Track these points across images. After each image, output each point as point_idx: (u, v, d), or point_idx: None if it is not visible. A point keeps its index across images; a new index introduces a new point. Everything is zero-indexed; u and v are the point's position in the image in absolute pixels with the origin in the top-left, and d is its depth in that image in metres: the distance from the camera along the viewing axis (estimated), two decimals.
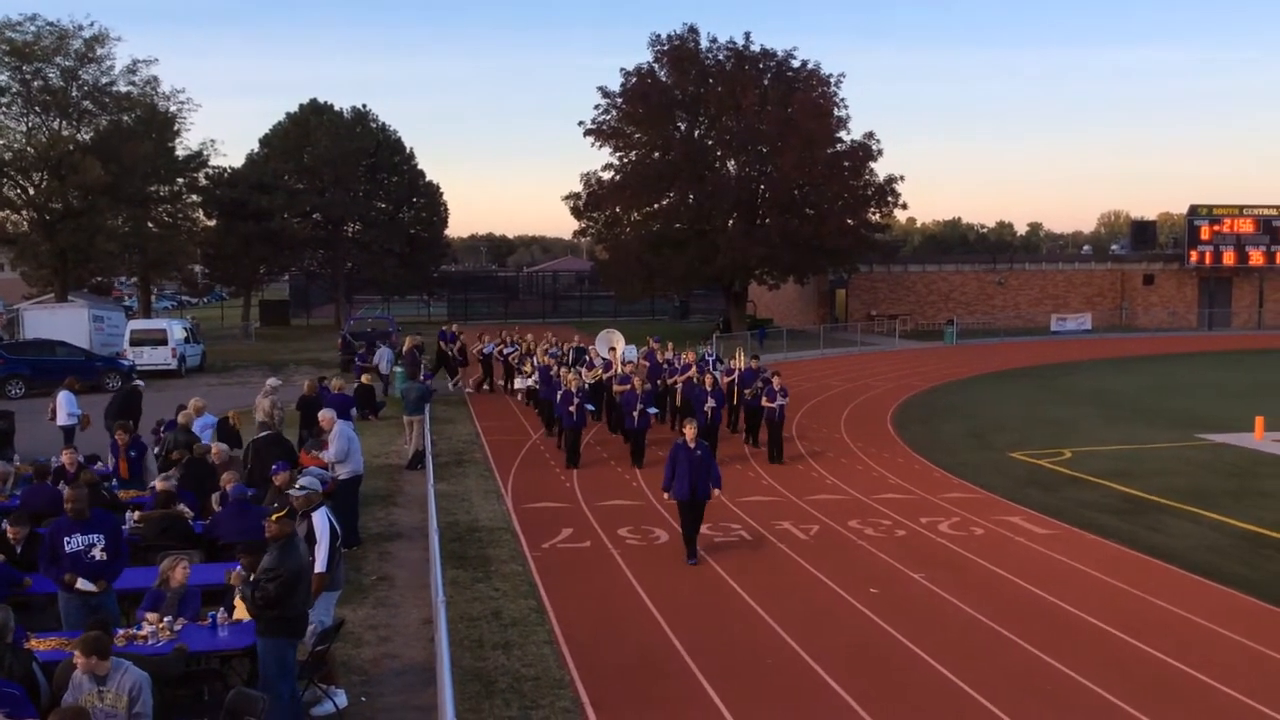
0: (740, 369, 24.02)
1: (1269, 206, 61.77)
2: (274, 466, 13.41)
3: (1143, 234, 69.28)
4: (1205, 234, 61.26)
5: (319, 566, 9.68)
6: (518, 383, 29.52)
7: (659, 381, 25.02)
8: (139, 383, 25.56)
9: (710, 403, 20.80)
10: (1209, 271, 62.08)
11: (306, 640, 9.29)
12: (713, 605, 12.70)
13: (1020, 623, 11.94)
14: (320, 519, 9.85)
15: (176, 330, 39.63)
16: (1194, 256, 61.47)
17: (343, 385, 22.37)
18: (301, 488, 9.73)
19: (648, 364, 26.43)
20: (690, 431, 14.33)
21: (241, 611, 9.77)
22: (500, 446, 23.38)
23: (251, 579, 8.65)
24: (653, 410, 21.85)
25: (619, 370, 24.84)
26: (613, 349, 27.69)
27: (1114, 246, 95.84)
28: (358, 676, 10.38)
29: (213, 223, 60.58)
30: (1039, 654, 11.00)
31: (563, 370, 23.41)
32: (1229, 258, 61.27)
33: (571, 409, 20.74)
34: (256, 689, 8.85)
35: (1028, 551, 15.00)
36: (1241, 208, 61.57)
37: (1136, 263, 64.37)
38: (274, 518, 8.87)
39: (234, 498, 12.65)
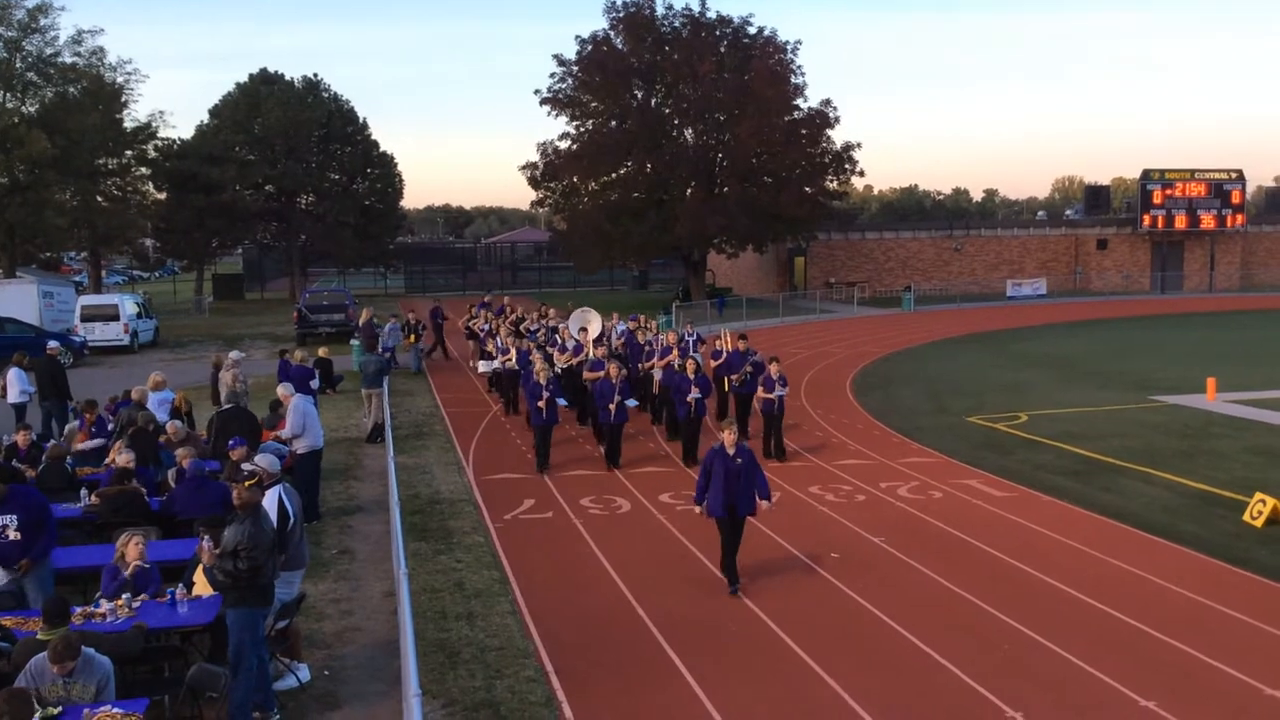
0: (727, 351, 20.88)
1: (1220, 170, 62.54)
2: (230, 442, 13.32)
3: (1096, 199, 69.97)
4: (1158, 198, 61.94)
5: None
6: (481, 365, 26.69)
7: (638, 367, 22.21)
8: (53, 343, 25.17)
9: (694, 392, 18.18)
10: (1161, 235, 62.84)
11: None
12: (675, 573, 12.76)
13: (978, 583, 12.10)
14: (270, 498, 9.77)
15: (128, 305, 39.07)
16: (1147, 220, 62.17)
17: (304, 358, 22.19)
18: (250, 472, 9.55)
19: (626, 347, 23.31)
20: (729, 436, 11.98)
21: (202, 587, 9.70)
22: (460, 419, 23.29)
23: (230, 551, 8.57)
24: (632, 402, 19.03)
25: (590, 354, 21.42)
26: (584, 330, 23.98)
27: (1068, 212, 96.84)
28: (320, 650, 10.34)
29: (163, 196, 59.76)
30: (998, 614, 11.16)
31: (536, 354, 20.60)
32: (1181, 221, 62.01)
33: (541, 404, 18.02)
34: (225, 662, 8.84)
35: (985, 514, 15.19)
36: (1193, 172, 62.30)
37: (1090, 227, 65.05)
38: (246, 484, 8.83)
39: (191, 473, 12.52)
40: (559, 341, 23.59)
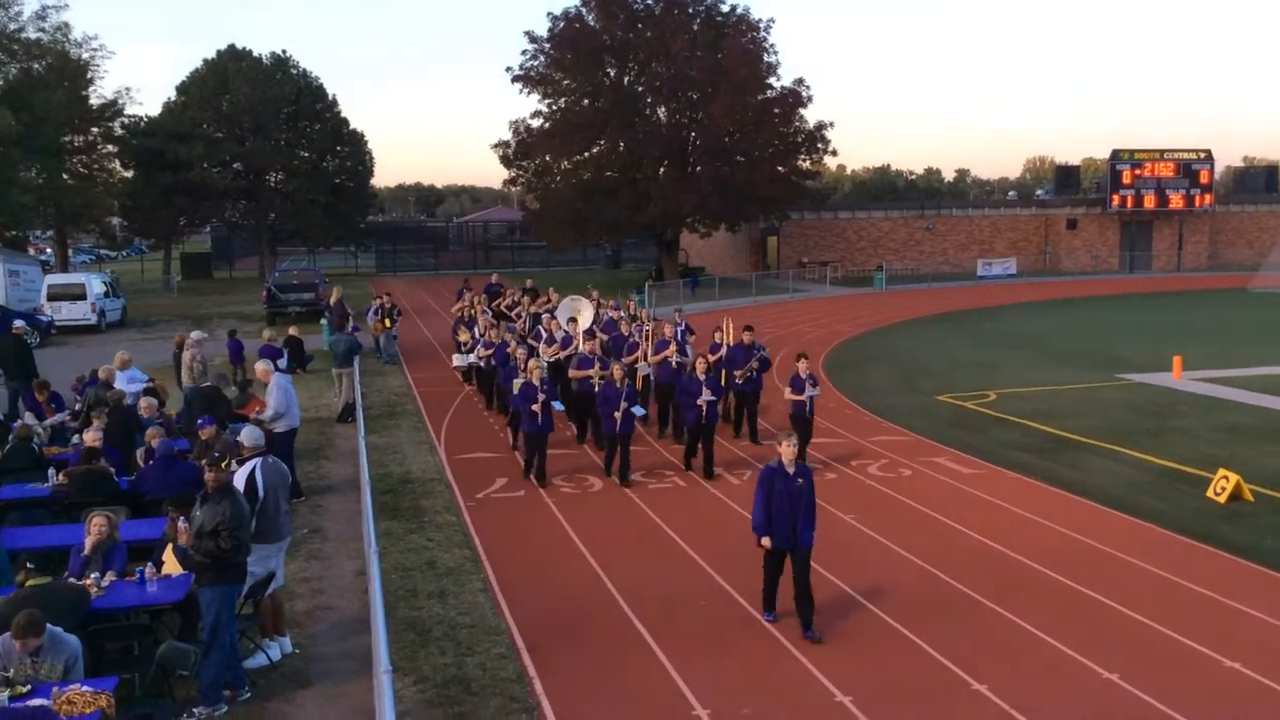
0: (728, 342, 18.61)
1: (1189, 150, 63.05)
2: (199, 421, 13.26)
3: (1067, 179, 70.46)
4: (1127, 178, 62.40)
5: None
6: (455, 359, 24.48)
7: (622, 361, 18.37)
8: (19, 323, 24.95)
9: (706, 395, 16.00)
10: (1130, 215, 63.32)
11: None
12: (647, 550, 12.82)
13: (946, 559, 12.23)
14: (241, 472, 9.76)
15: (95, 284, 38.70)
16: (1116, 200, 62.62)
17: (273, 336, 22.07)
18: (221, 454, 9.45)
19: (608, 338, 20.24)
20: (788, 451, 10.18)
21: (171, 566, 9.68)
22: (432, 398, 23.24)
23: (210, 531, 8.55)
24: (639, 410, 16.38)
25: (580, 347, 19.19)
26: (573, 320, 20.95)
27: (1039, 192, 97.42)
28: (291, 629, 10.32)
29: (130, 174, 59.17)
30: (964, 589, 11.29)
31: (518, 350, 18.21)
32: (1150, 201, 62.50)
33: (535, 408, 15.66)
34: (196, 640, 8.85)
35: (953, 491, 15.33)
36: (1162, 152, 62.76)
37: (1060, 207, 65.45)
38: (222, 464, 8.82)
39: (160, 453, 12.46)
40: (544, 333, 20.93)
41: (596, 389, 16.69)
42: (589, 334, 20.14)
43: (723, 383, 17.77)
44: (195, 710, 8.55)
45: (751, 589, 11.28)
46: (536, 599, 11.20)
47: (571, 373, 18.13)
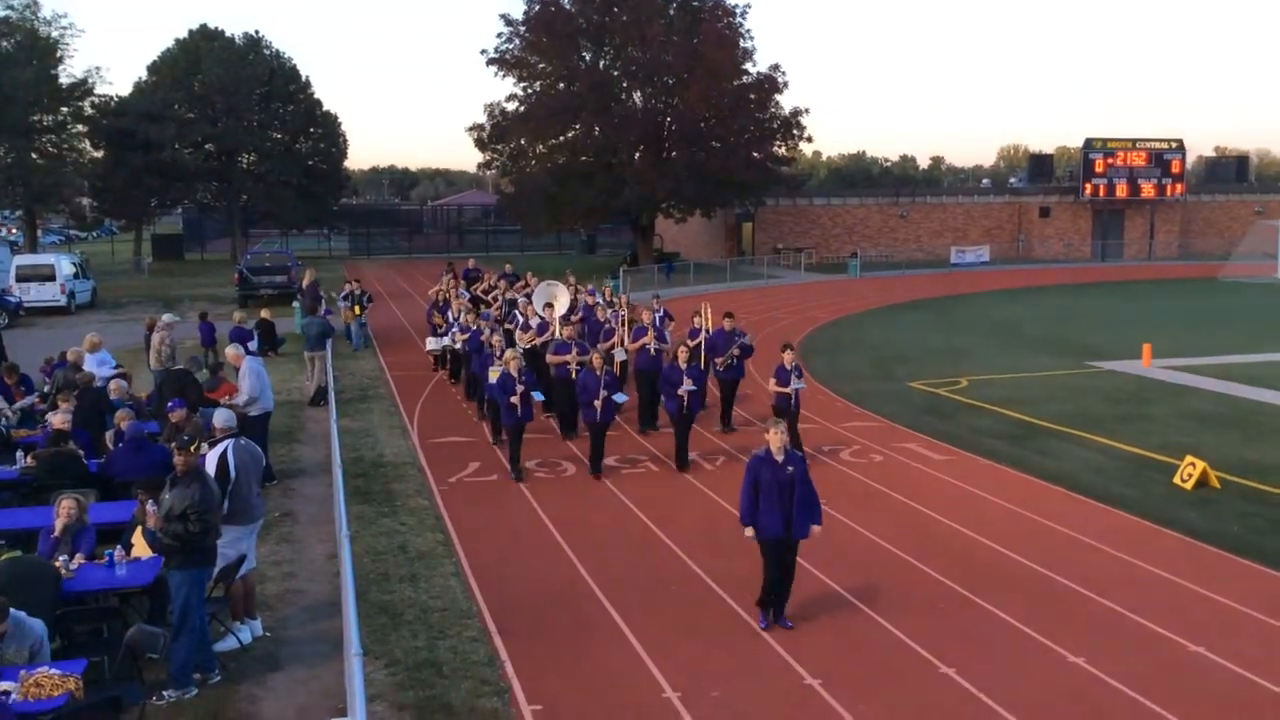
0: (707, 329, 18.41)
1: (1161, 140, 63.52)
2: (169, 404, 13.18)
3: (1040, 167, 70.89)
4: (1100, 167, 62.80)
5: None
6: (429, 342, 23.72)
7: (597, 347, 18.02)
8: None
9: (687, 384, 15.60)
10: (1103, 204, 63.76)
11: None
12: (619, 535, 12.86)
13: (915, 544, 12.32)
14: (212, 454, 9.71)
15: (65, 265, 38.36)
16: (1089, 189, 63.03)
17: (244, 319, 21.93)
18: (191, 437, 9.38)
19: (584, 324, 19.91)
20: (776, 439, 9.88)
21: (140, 549, 9.63)
22: (405, 382, 23.17)
23: (179, 514, 8.51)
24: (620, 397, 15.69)
25: (557, 333, 18.53)
26: (549, 305, 20.22)
27: (1012, 180, 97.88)
28: (262, 613, 10.29)
29: (100, 154, 58.49)
30: (933, 573, 11.39)
31: (493, 338, 17.67)
32: (1122, 190, 62.95)
33: (514, 400, 15.10)
34: (165, 623, 8.81)
35: (924, 477, 15.44)
36: (1134, 141, 63.19)
37: (1033, 195, 65.84)
38: (192, 448, 8.77)
39: (130, 435, 12.37)
40: (519, 319, 20.33)
41: (575, 375, 16.37)
42: (565, 319, 19.57)
43: (703, 368, 17.36)
44: (165, 693, 8.53)
45: (723, 574, 11.35)
46: (509, 583, 11.21)
47: (549, 358, 17.70)
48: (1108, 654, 9.35)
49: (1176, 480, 14.78)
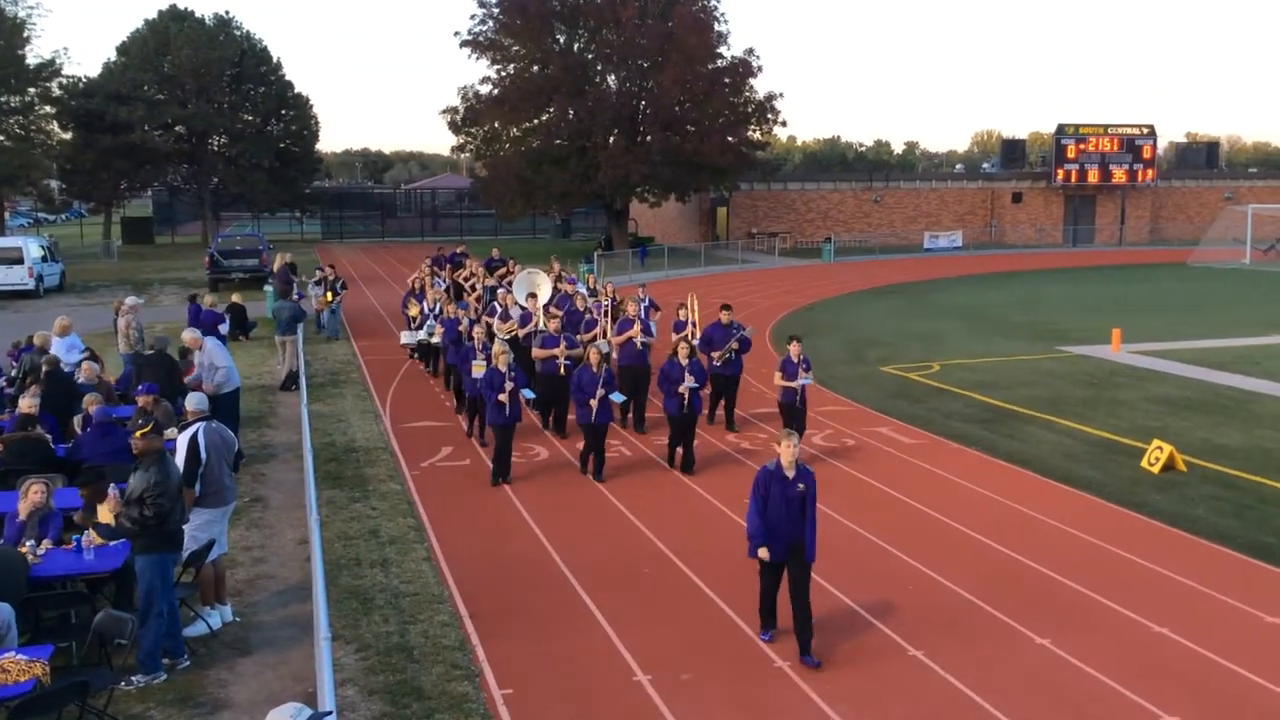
0: (693, 320, 17.51)
1: (1132, 125, 63.94)
2: (139, 388, 13.09)
3: (1013, 152, 71.15)
4: (1071, 152, 63.16)
5: None
6: (404, 336, 22.52)
7: (577, 339, 17.48)
8: None
9: (689, 381, 14.56)
10: (1074, 189, 64.15)
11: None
12: (591, 520, 12.88)
13: (886, 527, 12.40)
14: (183, 437, 9.67)
15: (33, 248, 37.91)
16: (1060, 175, 63.38)
17: (214, 302, 21.77)
18: (146, 419, 9.34)
19: (561, 313, 18.42)
20: (788, 452, 8.91)
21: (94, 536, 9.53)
22: (378, 366, 23.07)
23: (136, 498, 8.47)
24: (618, 397, 14.78)
25: (542, 323, 17.66)
26: (532, 296, 19.26)
27: (985, 165, 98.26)
28: (232, 598, 10.25)
29: (68, 135, 57.82)
30: (901, 555, 11.47)
31: (474, 328, 16.73)
32: (1093, 176, 63.34)
33: (502, 398, 14.02)
34: (131, 609, 8.76)
35: (895, 460, 15.54)
36: (1106, 127, 63.57)
37: (1006, 181, 66.15)
38: (139, 434, 8.72)
39: (97, 420, 12.27)
40: (499, 308, 19.35)
41: (563, 371, 15.77)
42: (545, 310, 18.57)
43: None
44: (133, 678, 8.49)
45: (697, 558, 11.39)
46: (480, 567, 11.22)
47: (535, 352, 16.71)
48: (1073, 635, 9.46)
49: (1144, 464, 14.93)
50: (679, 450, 14.91)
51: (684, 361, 14.73)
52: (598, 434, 14.32)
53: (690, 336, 17.02)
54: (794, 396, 14.95)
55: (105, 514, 9.78)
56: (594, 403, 14.09)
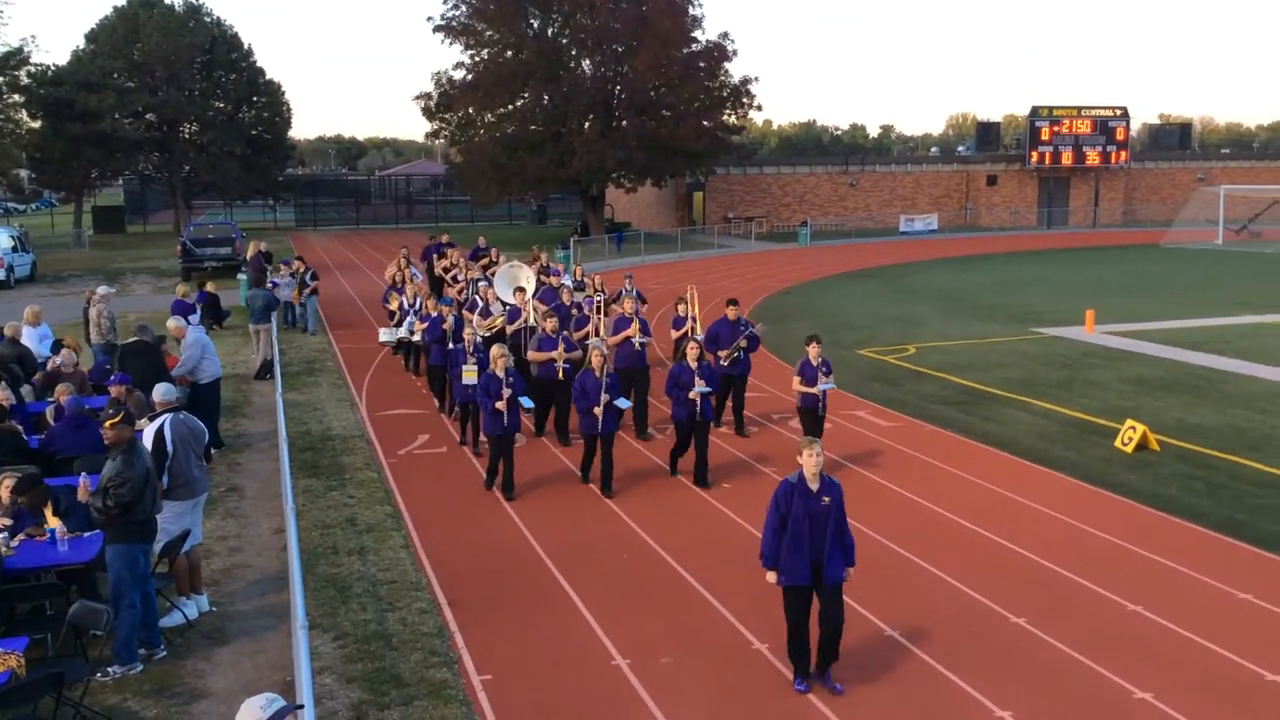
0: (693, 316, 16.63)
1: (1106, 108, 64.26)
2: (112, 377, 12.97)
3: (987, 135, 71.37)
4: (1045, 135, 63.46)
5: None
6: (383, 334, 21.42)
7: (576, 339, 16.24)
8: None
9: (700, 386, 13.20)
10: (1049, 171, 64.45)
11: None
12: (569, 506, 12.87)
13: (862, 509, 12.42)
14: (149, 429, 9.59)
15: (3, 239, 37.54)
16: (1035, 157, 63.68)
17: (186, 292, 21.58)
18: (115, 409, 9.22)
19: (546, 306, 17.00)
20: (811, 462, 8.12)
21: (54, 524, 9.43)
22: (353, 355, 22.98)
23: (101, 489, 8.43)
24: (624, 403, 13.48)
25: (534, 321, 16.46)
26: (520, 290, 17.72)
27: (960, 148, 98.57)
28: (208, 588, 10.21)
29: (37, 124, 57.16)
30: (876, 536, 11.53)
31: (464, 329, 15.60)
32: (1067, 158, 63.66)
33: (500, 406, 12.92)
34: (103, 600, 8.70)
35: (872, 443, 15.61)
36: (1080, 109, 63.87)
37: (981, 164, 66.38)
38: (109, 424, 8.65)
39: (70, 411, 12.16)
40: (478, 302, 18.38)
41: (561, 375, 14.89)
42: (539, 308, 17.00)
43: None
44: (109, 669, 8.45)
45: (677, 544, 11.41)
46: (458, 554, 11.21)
47: (531, 355, 15.48)
48: (1048, 614, 9.54)
49: (1117, 444, 15.05)
50: (679, 459, 13.94)
51: (694, 364, 13.30)
52: (605, 444, 13.18)
53: (691, 332, 16.18)
54: (815, 402, 13.76)
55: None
56: (599, 410, 12.99)
